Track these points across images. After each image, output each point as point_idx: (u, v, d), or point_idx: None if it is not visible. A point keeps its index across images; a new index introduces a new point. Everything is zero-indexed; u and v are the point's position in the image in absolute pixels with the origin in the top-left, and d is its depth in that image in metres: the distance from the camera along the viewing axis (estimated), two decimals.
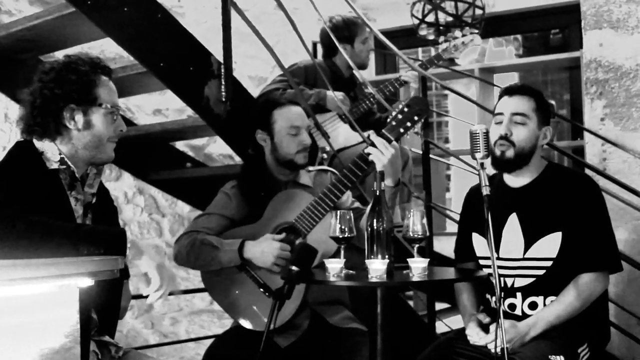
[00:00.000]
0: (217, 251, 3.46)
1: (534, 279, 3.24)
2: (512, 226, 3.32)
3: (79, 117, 2.72)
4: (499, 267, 3.28)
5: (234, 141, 4.18)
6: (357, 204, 3.71)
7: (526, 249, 3.26)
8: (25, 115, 2.76)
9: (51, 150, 2.71)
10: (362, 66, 5.17)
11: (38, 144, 2.73)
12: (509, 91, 3.39)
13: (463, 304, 3.47)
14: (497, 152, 3.29)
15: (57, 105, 2.70)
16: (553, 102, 7.60)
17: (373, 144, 3.30)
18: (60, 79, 2.71)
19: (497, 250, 3.32)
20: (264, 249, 3.42)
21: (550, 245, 3.22)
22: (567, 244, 3.19)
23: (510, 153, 3.28)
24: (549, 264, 3.21)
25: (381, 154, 3.28)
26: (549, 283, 3.21)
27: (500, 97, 3.42)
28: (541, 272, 3.22)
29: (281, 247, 3.41)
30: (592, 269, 3.17)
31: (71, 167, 2.71)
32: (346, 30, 5.08)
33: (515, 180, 3.38)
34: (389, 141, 3.38)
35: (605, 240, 3.23)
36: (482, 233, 3.38)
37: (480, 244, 3.41)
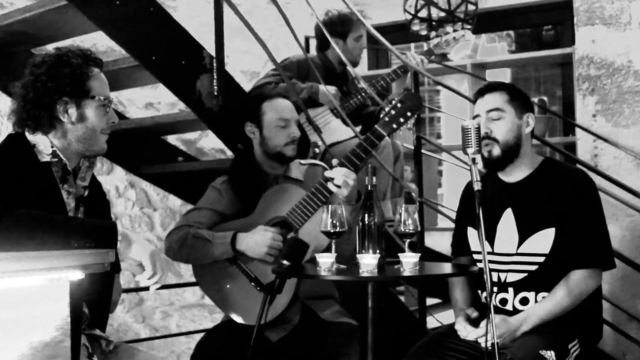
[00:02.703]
0: (209, 244, 3.46)
1: (526, 274, 3.25)
2: (507, 221, 3.32)
3: (72, 110, 2.72)
4: (493, 262, 3.30)
5: (225, 135, 4.18)
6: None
7: (519, 244, 3.26)
8: (17, 108, 2.75)
9: (43, 143, 2.71)
10: (354, 63, 5.17)
11: (30, 136, 2.72)
12: (479, 92, 3.43)
13: (455, 299, 3.48)
14: (485, 153, 3.30)
15: (51, 98, 2.69)
16: (545, 98, 7.61)
17: (345, 164, 3.36)
18: (53, 72, 2.70)
19: (492, 245, 3.33)
20: (257, 240, 3.42)
21: (543, 241, 3.22)
22: (560, 240, 3.19)
23: (496, 151, 3.30)
24: (541, 259, 3.21)
25: (345, 185, 3.33)
26: (541, 279, 3.22)
27: (475, 101, 3.43)
28: (533, 267, 3.23)
29: (273, 237, 3.41)
30: (585, 265, 3.16)
31: (63, 160, 2.71)
32: (340, 25, 5.09)
33: (510, 175, 3.37)
34: (381, 138, 3.39)
35: (598, 237, 3.22)
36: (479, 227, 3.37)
37: (474, 239, 3.42)
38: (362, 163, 3.42)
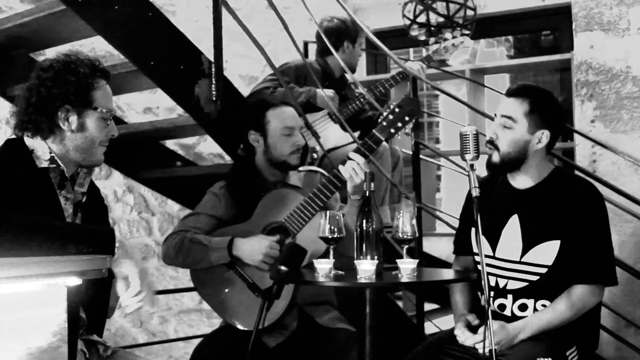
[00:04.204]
0: (206, 249, 3.46)
1: (527, 283, 3.21)
2: (513, 228, 3.27)
3: (73, 119, 2.71)
4: (493, 266, 3.28)
5: (224, 140, 4.18)
6: (345, 209, 3.71)
7: (523, 253, 3.22)
8: (19, 111, 2.75)
9: (41, 149, 2.71)
10: (353, 68, 5.18)
11: (29, 141, 2.72)
12: (507, 92, 3.33)
13: (455, 302, 3.45)
14: (488, 154, 3.28)
15: (53, 104, 2.69)
16: None
17: (349, 158, 3.35)
18: (59, 78, 2.70)
19: (494, 250, 3.30)
20: (253, 247, 3.41)
21: (547, 252, 3.17)
22: (564, 253, 3.14)
23: (495, 158, 3.25)
24: (543, 270, 3.17)
25: (355, 174, 3.31)
26: (542, 289, 3.18)
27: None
28: (535, 277, 3.19)
29: (270, 245, 3.40)
30: (587, 281, 3.13)
31: (61, 166, 2.71)
32: (353, 29, 5.11)
33: (519, 181, 3.31)
34: (379, 143, 3.39)
35: (602, 252, 3.17)
36: (483, 229, 3.30)
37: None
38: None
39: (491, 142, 3.25)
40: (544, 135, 3.23)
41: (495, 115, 3.30)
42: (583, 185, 3.27)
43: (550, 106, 3.28)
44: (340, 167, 3.38)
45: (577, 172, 4.64)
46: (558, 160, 5.42)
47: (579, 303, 3.11)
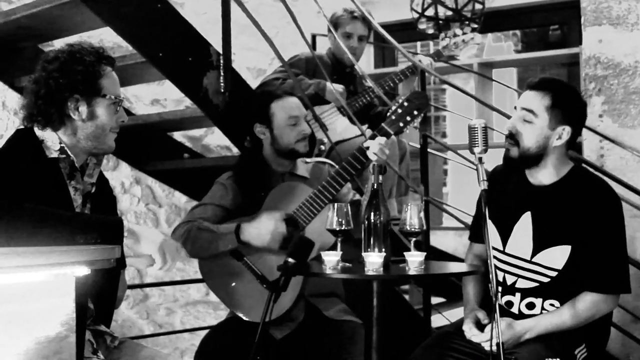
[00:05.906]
0: (214, 235, 3.46)
1: (536, 284, 3.17)
2: (525, 225, 3.21)
3: (83, 108, 2.71)
4: (504, 262, 3.25)
5: (231, 132, 4.18)
6: (357, 197, 3.71)
7: (534, 253, 3.17)
8: (28, 104, 2.74)
9: (51, 139, 2.70)
10: (338, 57, 5.10)
11: (39, 132, 2.72)
12: (528, 84, 3.23)
13: (467, 293, 3.42)
14: (506, 148, 3.21)
15: (62, 95, 2.69)
16: None
17: (373, 137, 3.33)
18: (66, 68, 2.70)
19: (504, 245, 3.26)
20: (260, 228, 3.41)
21: (557, 256, 3.12)
22: (575, 260, 3.09)
23: (514, 152, 3.17)
24: (553, 274, 3.12)
25: (382, 153, 3.31)
26: (552, 290, 3.14)
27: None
28: (545, 279, 3.14)
29: (276, 224, 3.40)
30: (599, 290, 3.07)
31: (71, 157, 2.70)
32: (334, 18, 5.09)
33: (536, 177, 3.23)
34: (388, 136, 3.38)
35: (616, 261, 3.10)
36: (495, 221, 3.29)
37: (491, 232, 3.24)
38: (367, 162, 3.41)
39: (511, 136, 3.17)
40: (565, 132, 3.13)
41: (515, 108, 3.22)
42: (600, 187, 3.16)
43: (572, 102, 3.19)
44: (367, 145, 3.37)
45: (592, 170, 4.62)
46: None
47: (589, 311, 3.07)
